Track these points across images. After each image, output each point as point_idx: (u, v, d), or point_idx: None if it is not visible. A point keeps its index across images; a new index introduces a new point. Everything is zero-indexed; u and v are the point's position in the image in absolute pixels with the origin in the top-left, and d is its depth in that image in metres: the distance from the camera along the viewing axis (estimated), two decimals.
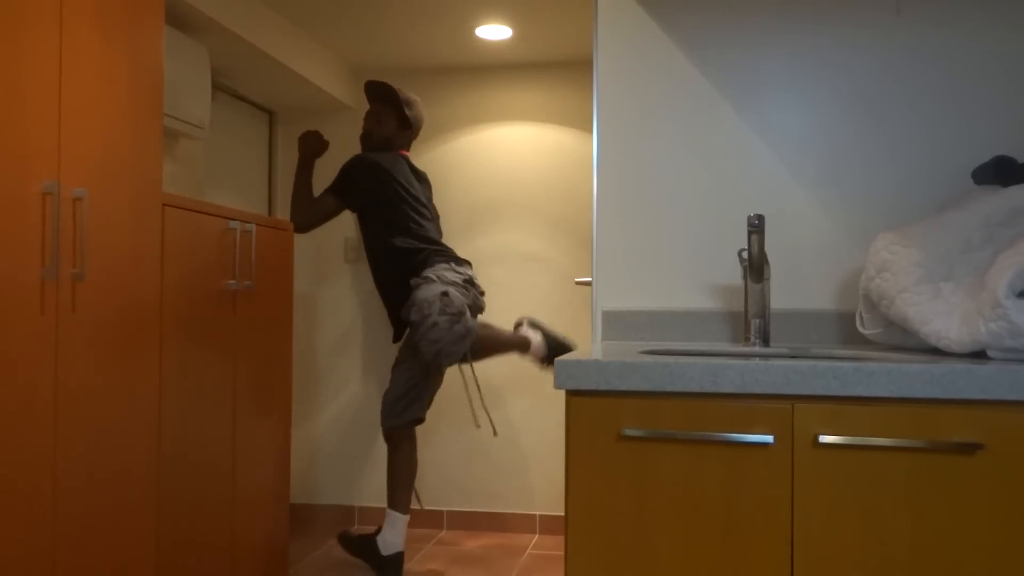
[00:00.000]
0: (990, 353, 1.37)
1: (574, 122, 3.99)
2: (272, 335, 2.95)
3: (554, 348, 3.31)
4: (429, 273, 3.15)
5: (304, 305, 4.18)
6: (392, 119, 3.39)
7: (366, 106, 4.14)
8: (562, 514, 3.93)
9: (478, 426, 3.88)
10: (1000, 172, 1.66)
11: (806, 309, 1.91)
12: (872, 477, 1.24)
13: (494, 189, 4.04)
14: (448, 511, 4.01)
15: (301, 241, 4.19)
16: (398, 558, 3.22)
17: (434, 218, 3.44)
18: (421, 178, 3.47)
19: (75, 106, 1.96)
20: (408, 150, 3.50)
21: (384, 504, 4.06)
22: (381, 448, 4.09)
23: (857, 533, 1.24)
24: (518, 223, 4.01)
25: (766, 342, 1.78)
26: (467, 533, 3.91)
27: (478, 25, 3.47)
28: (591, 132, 3.97)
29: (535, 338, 3.29)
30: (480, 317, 3.31)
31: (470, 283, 3.23)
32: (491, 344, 3.27)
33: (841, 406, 1.25)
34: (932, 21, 1.89)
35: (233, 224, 2.68)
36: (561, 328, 3.98)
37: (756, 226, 1.73)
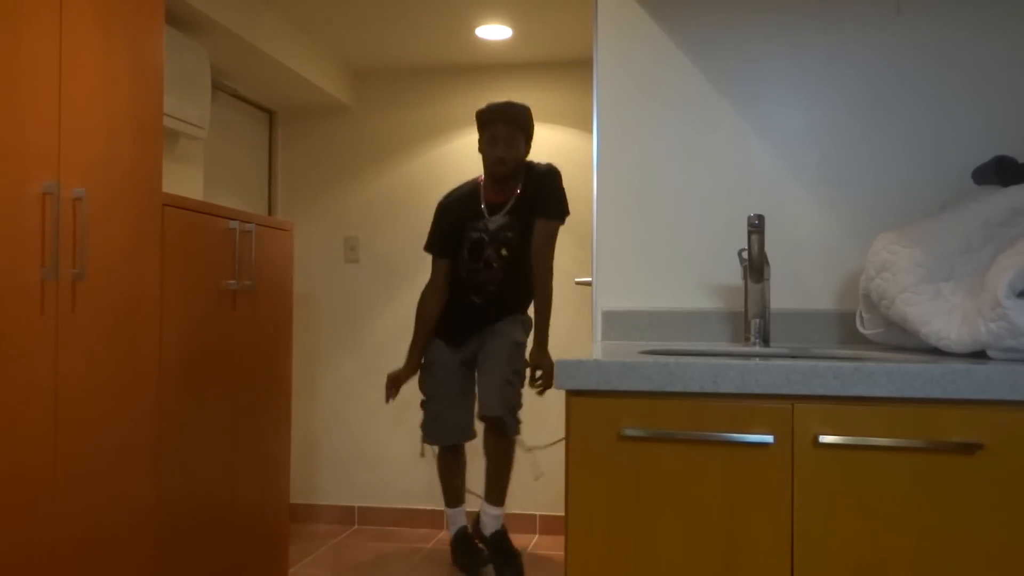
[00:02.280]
0: (990, 353, 1.36)
1: (574, 122, 3.99)
2: (272, 335, 2.95)
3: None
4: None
5: (304, 305, 4.18)
6: (523, 144, 3.10)
7: (365, 106, 4.14)
8: (562, 514, 3.93)
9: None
10: (1000, 172, 1.66)
11: (806, 309, 1.91)
12: (872, 477, 1.24)
13: None
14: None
15: (301, 241, 4.19)
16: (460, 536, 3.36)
17: None
18: None
19: (75, 106, 1.96)
20: None
21: (382, 503, 4.06)
22: (381, 448, 4.09)
23: (857, 533, 1.24)
24: None
25: (766, 342, 1.78)
26: None
27: (478, 25, 3.47)
28: (591, 132, 3.97)
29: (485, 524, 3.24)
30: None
31: None
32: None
33: (841, 406, 1.25)
34: (932, 21, 1.89)
35: (233, 224, 2.68)
36: (561, 328, 3.98)
37: (756, 226, 1.73)
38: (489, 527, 3.19)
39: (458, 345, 3.23)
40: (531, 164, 3.15)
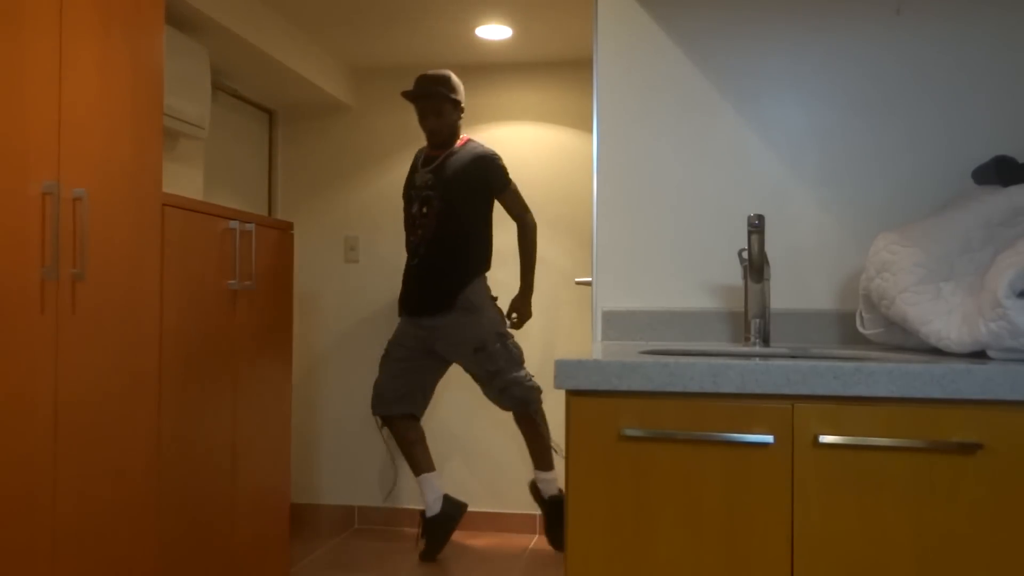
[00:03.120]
0: (990, 353, 1.37)
1: (574, 122, 3.99)
2: (272, 335, 2.95)
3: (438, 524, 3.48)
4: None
5: (304, 305, 4.18)
6: (451, 109, 3.36)
7: (365, 106, 4.14)
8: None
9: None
10: (1000, 172, 1.66)
11: (806, 309, 1.91)
12: (872, 477, 1.24)
13: None
14: None
15: (301, 241, 4.19)
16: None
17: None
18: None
19: (75, 106, 1.96)
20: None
21: (382, 503, 4.06)
22: (381, 448, 4.09)
23: (857, 533, 1.24)
24: None
25: (766, 342, 1.78)
26: (467, 533, 3.91)
27: (478, 25, 3.47)
28: (591, 132, 3.97)
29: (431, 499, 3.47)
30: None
31: None
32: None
33: (841, 406, 1.25)
34: (932, 21, 1.89)
35: (233, 224, 2.68)
36: (561, 328, 3.98)
37: (756, 226, 1.73)
38: (545, 491, 3.43)
39: (413, 314, 3.37)
40: (472, 144, 3.39)
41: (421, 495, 3.52)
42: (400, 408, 3.43)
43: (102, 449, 2.06)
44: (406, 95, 3.35)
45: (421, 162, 3.44)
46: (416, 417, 3.49)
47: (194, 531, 2.49)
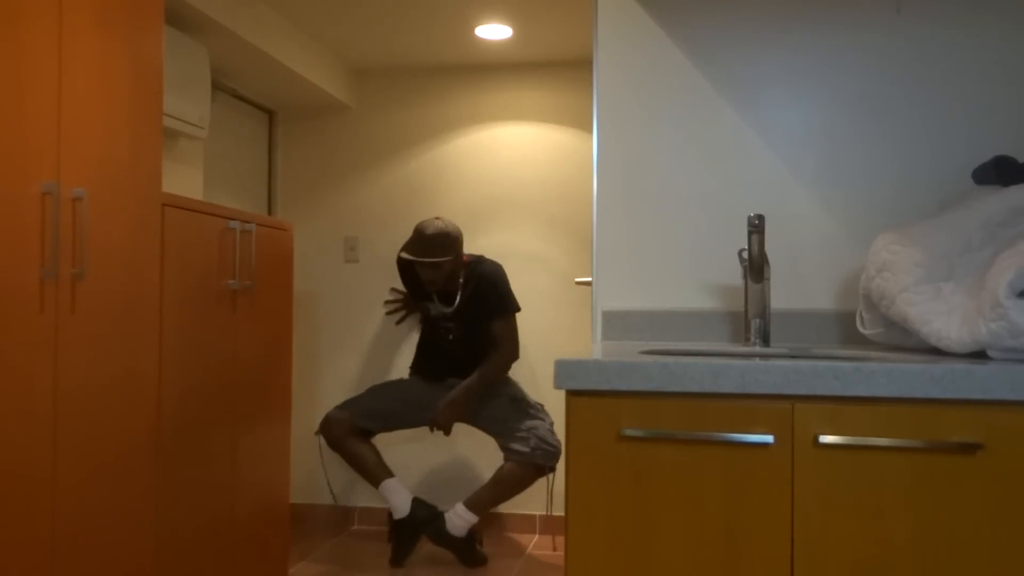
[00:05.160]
0: (990, 353, 1.36)
1: (574, 122, 3.99)
2: (272, 335, 2.95)
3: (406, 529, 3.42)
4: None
5: (304, 305, 4.18)
6: (449, 261, 3.42)
7: (365, 106, 4.15)
8: (562, 514, 3.93)
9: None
10: (1000, 172, 1.66)
11: (806, 309, 1.91)
12: (872, 477, 1.24)
13: (494, 189, 4.04)
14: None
15: (301, 241, 4.19)
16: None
17: None
18: None
19: (75, 106, 1.96)
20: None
21: (382, 503, 4.06)
22: (380, 448, 4.09)
23: (857, 533, 1.24)
24: (518, 223, 4.01)
25: (766, 342, 1.78)
26: None
27: (478, 25, 3.47)
28: (591, 132, 3.97)
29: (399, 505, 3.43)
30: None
31: None
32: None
33: (841, 406, 1.25)
34: (933, 20, 1.89)
35: (233, 224, 2.68)
36: (561, 328, 3.98)
37: (756, 226, 1.73)
38: (458, 529, 3.34)
39: (431, 381, 3.56)
40: (474, 266, 3.47)
41: (387, 502, 3.44)
42: (362, 422, 3.45)
43: (101, 449, 2.06)
44: (403, 261, 3.52)
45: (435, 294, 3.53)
46: (369, 434, 3.51)
47: (194, 531, 2.49)
